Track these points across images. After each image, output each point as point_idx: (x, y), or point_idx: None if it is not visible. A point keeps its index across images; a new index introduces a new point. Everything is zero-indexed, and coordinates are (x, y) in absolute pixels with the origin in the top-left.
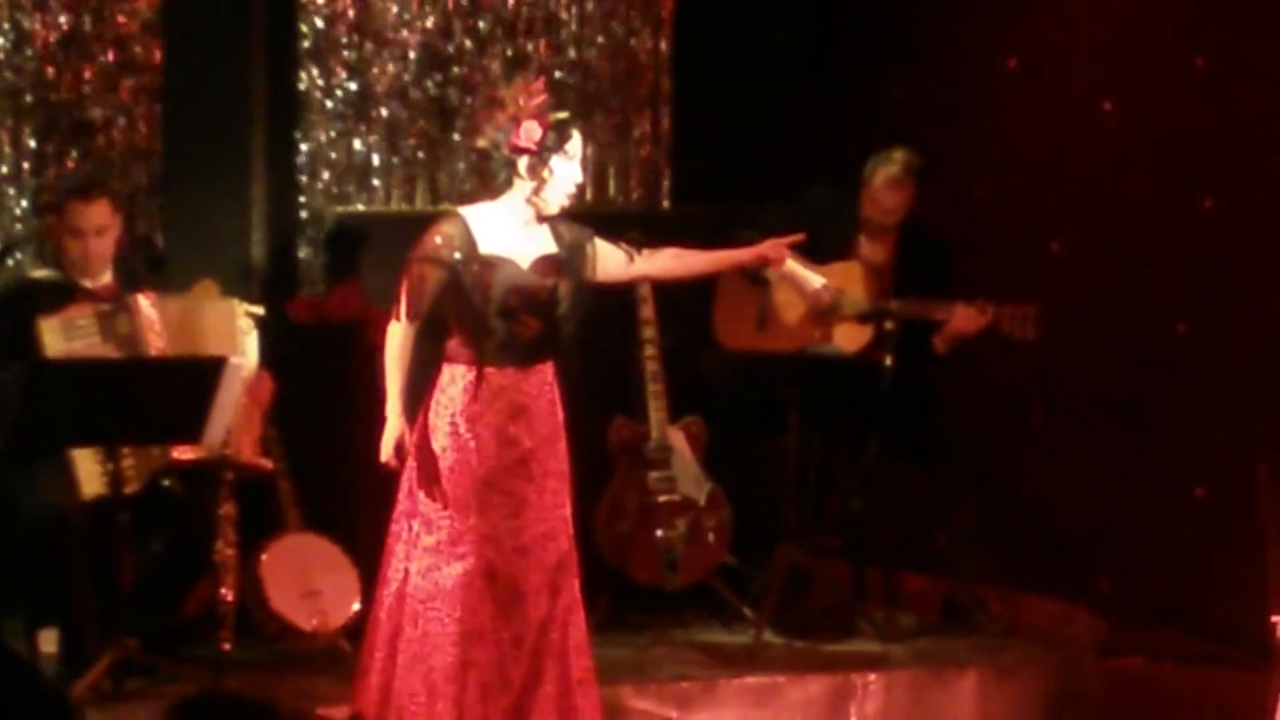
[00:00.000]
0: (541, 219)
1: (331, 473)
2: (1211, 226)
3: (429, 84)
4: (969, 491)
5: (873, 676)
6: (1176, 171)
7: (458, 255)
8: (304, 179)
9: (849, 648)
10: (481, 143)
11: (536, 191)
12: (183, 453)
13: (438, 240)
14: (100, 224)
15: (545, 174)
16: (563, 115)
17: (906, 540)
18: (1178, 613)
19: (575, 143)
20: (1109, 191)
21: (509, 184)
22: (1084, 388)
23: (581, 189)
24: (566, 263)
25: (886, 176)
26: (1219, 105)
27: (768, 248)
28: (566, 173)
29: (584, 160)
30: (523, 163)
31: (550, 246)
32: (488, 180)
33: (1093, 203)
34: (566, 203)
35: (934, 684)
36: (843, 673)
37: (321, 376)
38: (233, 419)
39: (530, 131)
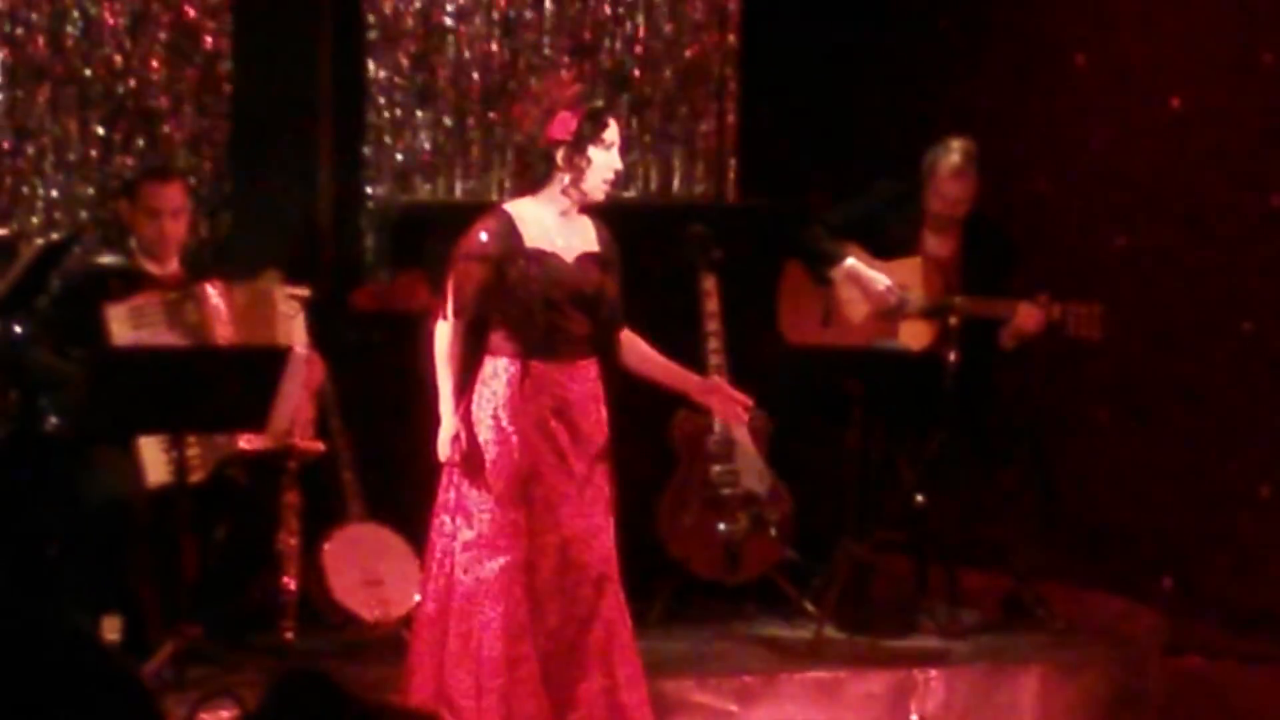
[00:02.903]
0: (583, 209)
1: (394, 463)
2: (1278, 224)
3: (494, 74)
4: (1031, 488)
5: (934, 672)
6: (1244, 169)
7: (502, 250)
8: (370, 168)
9: (910, 643)
10: (518, 138)
11: (575, 182)
12: (249, 442)
13: (482, 237)
14: (176, 205)
15: (583, 164)
16: (598, 104)
17: (969, 536)
18: (1241, 612)
19: (612, 130)
20: (1175, 188)
21: (548, 177)
22: (1149, 385)
23: (620, 176)
24: (609, 265)
25: (950, 167)
26: None
27: (719, 400)
28: (604, 161)
29: (622, 148)
30: (560, 154)
31: (593, 245)
32: (527, 175)
33: (1159, 200)
34: (607, 190)
35: (995, 680)
36: (904, 668)
37: (385, 366)
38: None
39: (565, 122)
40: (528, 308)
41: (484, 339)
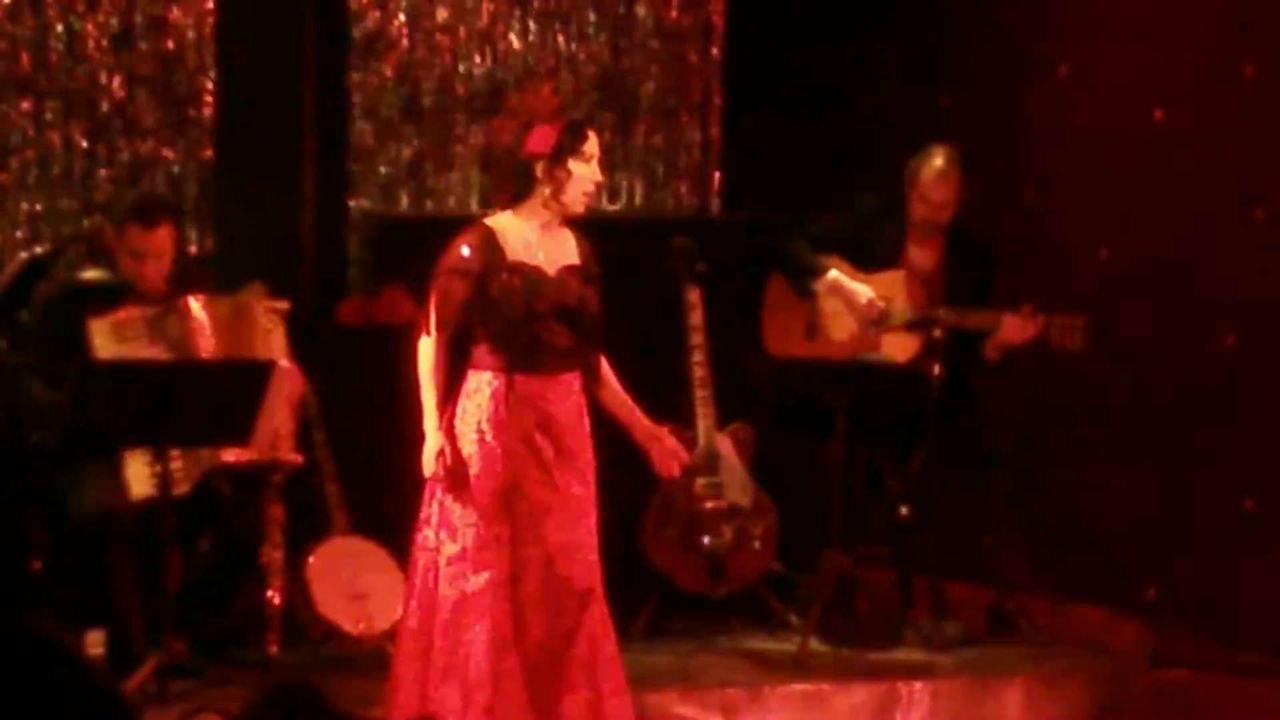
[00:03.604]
0: (564, 222)
1: (378, 476)
2: (1262, 236)
3: (478, 87)
4: (1013, 500)
5: (918, 685)
6: (1227, 181)
7: (484, 265)
8: (353, 182)
9: (895, 656)
10: (497, 151)
11: (555, 195)
12: (233, 455)
13: (464, 251)
14: (159, 249)
15: (562, 177)
16: (577, 117)
17: (953, 549)
18: (1226, 624)
19: (591, 143)
20: (1159, 201)
21: (528, 191)
22: (1132, 398)
23: (600, 189)
24: (591, 278)
25: (933, 171)
26: (1270, 114)
27: (660, 450)
28: (584, 174)
29: (605, 161)
30: (539, 167)
31: (574, 257)
32: (506, 188)
33: (1142, 212)
34: (587, 203)
35: (980, 693)
36: (888, 681)
37: (370, 379)
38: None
39: (544, 135)
40: (511, 322)
41: (466, 354)
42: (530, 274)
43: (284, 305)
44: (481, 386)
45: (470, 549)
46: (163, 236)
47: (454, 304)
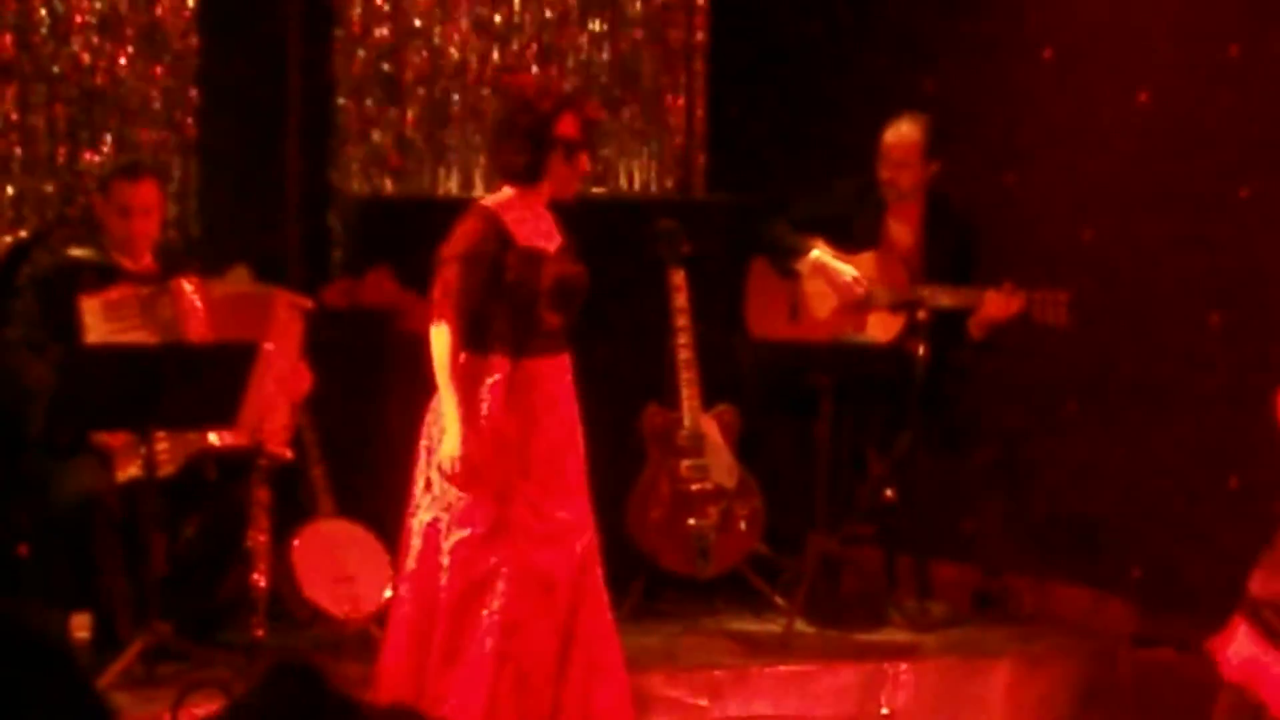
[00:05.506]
0: (550, 207)
1: (365, 459)
2: (1247, 216)
3: (463, 70)
4: (997, 480)
5: (904, 666)
6: (1211, 161)
7: (495, 249)
8: (338, 164)
9: (880, 637)
10: (518, 127)
11: (562, 179)
12: (219, 438)
13: (475, 236)
14: (146, 204)
15: (575, 163)
16: (569, 104)
17: (939, 529)
18: (1210, 603)
19: (584, 130)
20: (1143, 182)
21: (541, 171)
22: (1117, 377)
23: (586, 174)
24: (579, 259)
25: (893, 132)
26: (1254, 94)
27: None
28: (576, 160)
29: (591, 147)
30: (558, 151)
31: (561, 237)
32: (515, 168)
33: (1127, 193)
34: (574, 189)
35: (965, 673)
36: (874, 662)
37: (355, 362)
38: (264, 407)
39: (571, 121)
40: (518, 305)
41: (479, 340)
42: (535, 255)
43: (308, 304)
44: (490, 371)
45: (479, 534)
46: (149, 190)
47: (470, 290)
